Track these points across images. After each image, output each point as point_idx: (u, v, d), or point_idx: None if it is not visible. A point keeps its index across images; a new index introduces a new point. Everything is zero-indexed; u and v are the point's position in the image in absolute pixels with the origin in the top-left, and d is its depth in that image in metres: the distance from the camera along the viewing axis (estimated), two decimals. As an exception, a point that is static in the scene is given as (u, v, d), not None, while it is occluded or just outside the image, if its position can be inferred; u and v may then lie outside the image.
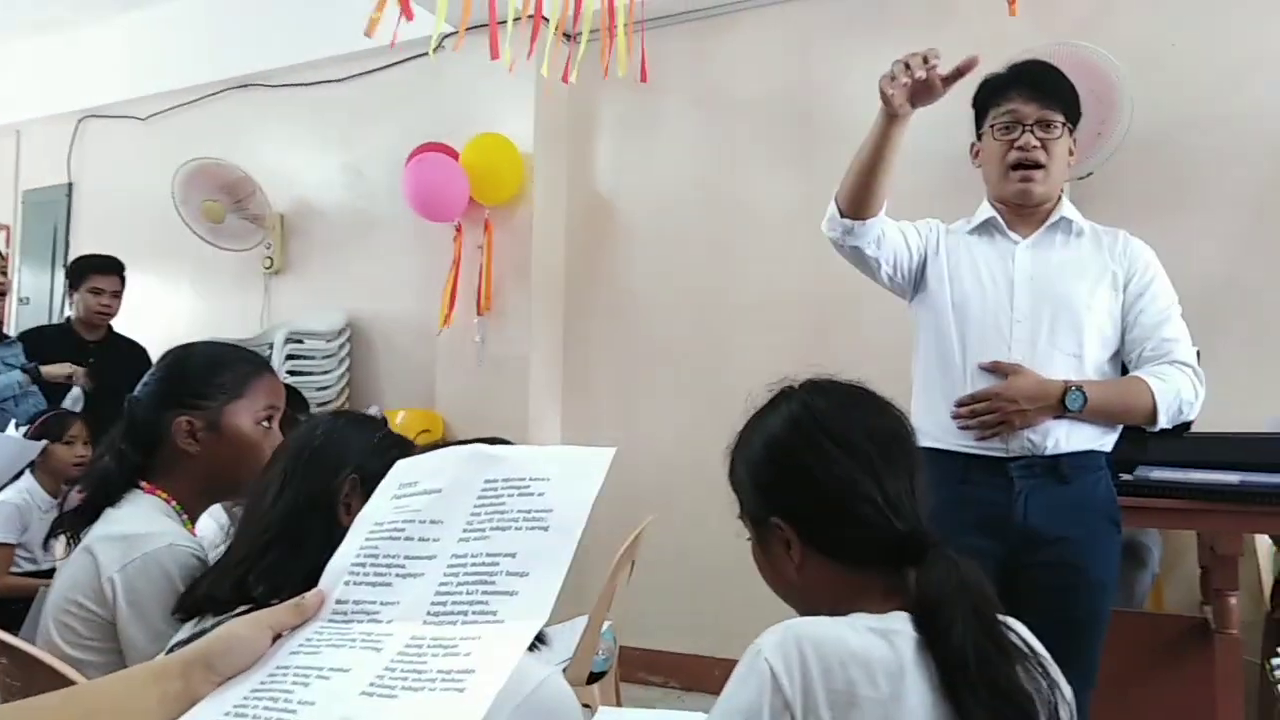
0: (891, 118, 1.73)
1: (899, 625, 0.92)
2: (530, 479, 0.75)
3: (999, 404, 1.75)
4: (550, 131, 3.91)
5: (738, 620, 1.03)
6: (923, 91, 1.71)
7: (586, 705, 2.03)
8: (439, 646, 0.66)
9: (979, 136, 1.91)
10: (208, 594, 1.12)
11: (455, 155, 3.74)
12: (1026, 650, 0.93)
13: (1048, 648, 1.80)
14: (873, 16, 3.46)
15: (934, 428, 1.86)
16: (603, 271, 3.94)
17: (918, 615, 0.92)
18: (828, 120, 3.53)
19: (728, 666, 0.94)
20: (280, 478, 1.15)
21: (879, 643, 0.90)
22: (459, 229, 3.83)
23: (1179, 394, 1.76)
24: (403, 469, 0.82)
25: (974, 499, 1.78)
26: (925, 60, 1.68)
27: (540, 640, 1.30)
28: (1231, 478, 2.02)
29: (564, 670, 2.13)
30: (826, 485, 0.99)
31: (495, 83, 3.62)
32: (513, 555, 0.70)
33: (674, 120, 3.82)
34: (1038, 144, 1.81)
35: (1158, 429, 1.79)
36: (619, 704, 2.39)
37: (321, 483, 1.14)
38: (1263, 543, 2.63)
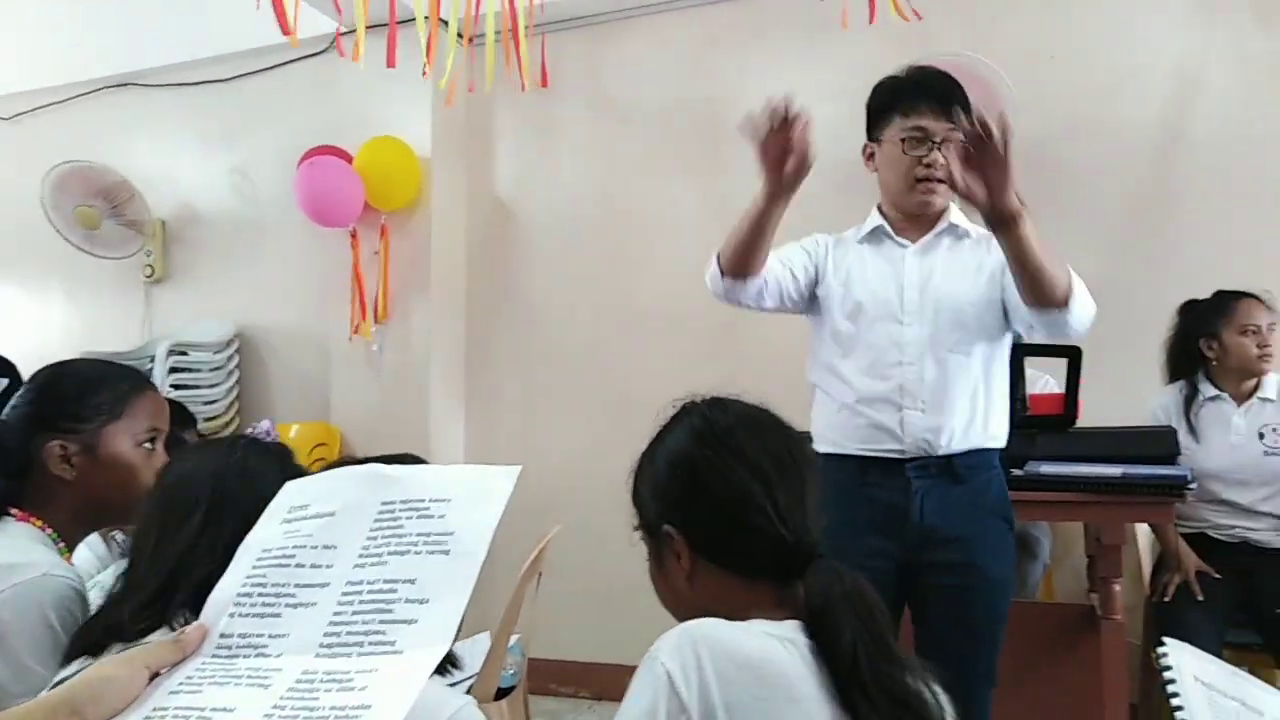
0: (773, 195, 1.73)
1: (794, 634, 0.93)
2: (430, 500, 0.72)
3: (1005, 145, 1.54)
4: (449, 135, 3.84)
5: (647, 628, 1.02)
6: (795, 167, 1.69)
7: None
8: (332, 681, 0.62)
9: (875, 140, 1.90)
10: (115, 623, 1.02)
11: (349, 159, 3.63)
12: (910, 659, 0.95)
13: (948, 646, 1.83)
14: (773, 23, 3.51)
15: (831, 432, 1.89)
16: (505, 279, 3.88)
17: (808, 624, 0.93)
18: (729, 127, 3.56)
19: (637, 674, 0.93)
20: (208, 499, 1.05)
21: (776, 647, 0.90)
22: (354, 235, 3.72)
23: (1088, 295, 1.72)
24: (293, 491, 0.78)
25: (872, 500, 1.81)
26: (785, 117, 1.65)
27: (452, 662, 1.26)
28: (1114, 470, 2.11)
29: (470, 687, 2.09)
30: (721, 494, 1.01)
31: (391, 85, 3.52)
32: (411, 581, 0.67)
33: (575, 126, 3.80)
34: (944, 161, 1.79)
35: (1068, 319, 1.69)
36: (529, 718, 2.35)
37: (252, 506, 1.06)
38: (1143, 531, 2.78)
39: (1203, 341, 2.67)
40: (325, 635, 0.66)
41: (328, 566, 0.70)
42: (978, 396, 1.83)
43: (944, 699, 0.96)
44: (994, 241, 1.86)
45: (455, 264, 3.89)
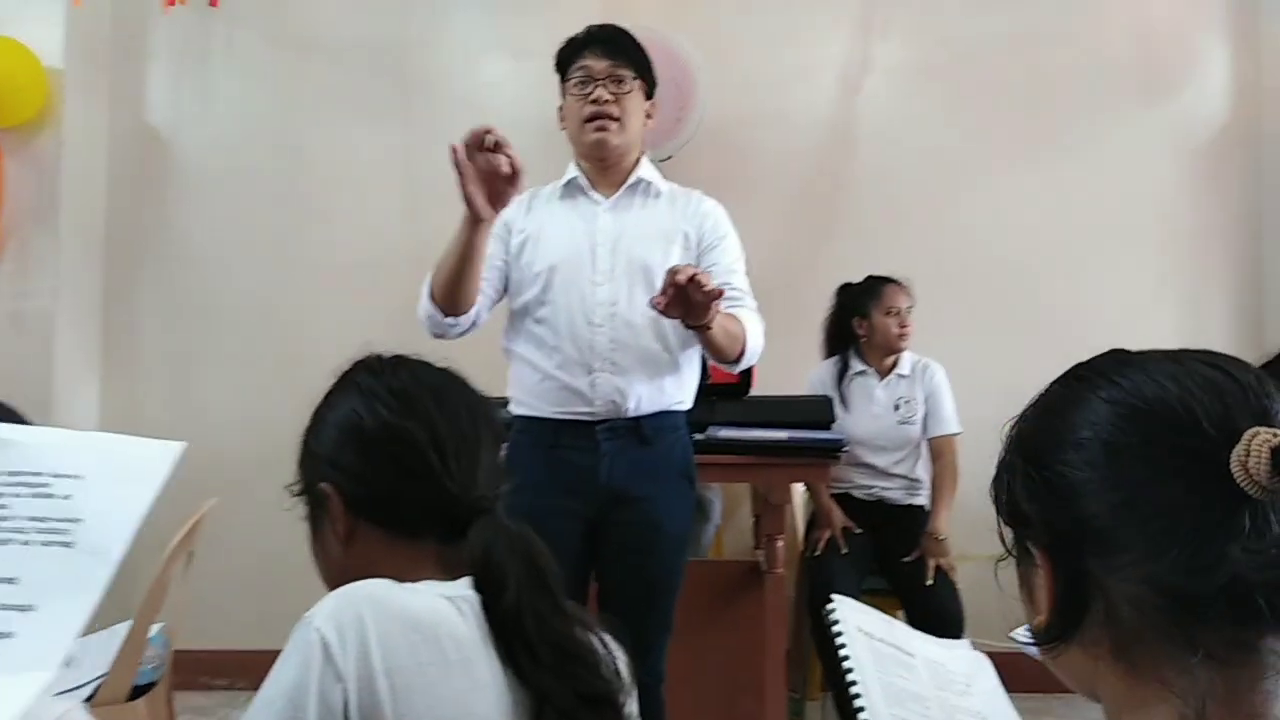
0: (476, 222, 1.68)
1: (467, 592, 0.89)
2: (52, 475, 0.55)
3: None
4: (87, 46, 3.26)
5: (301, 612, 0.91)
6: (500, 189, 1.65)
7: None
8: None
9: (563, 95, 1.94)
10: None
11: (-52, 57, 2.96)
12: (583, 614, 0.95)
13: (631, 599, 1.90)
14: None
15: (526, 395, 1.89)
16: (156, 220, 3.40)
17: (474, 580, 0.90)
18: (423, 76, 3.39)
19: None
20: None
21: (447, 608, 0.86)
22: (-46, 151, 3.05)
23: (758, 339, 1.90)
24: None
25: (564, 462, 1.83)
26: (483, 143, 1.61)
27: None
28: (781, 434, 2.28)
29: (98, 688, 1.78)
30: (382, 445, 0.96)
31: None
32: (12, 581, 0.50)
33: (248, 55, 3.41)
34: (610, 97, 1.86)
35: (736, 369, 1.94)
36: (172, 717, 2.06)
37: None
38: (797, 491, 3.04)
39: (855, 321, 2.97)
40: None
41: None
42: (666, 360, 1.88)
43: (616, 650, 0.95)
44: (690, 202, 1.94)
45: (92, 197, 3.33)
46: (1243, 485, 0.55)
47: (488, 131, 1.61)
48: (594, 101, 1.85)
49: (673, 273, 1.60)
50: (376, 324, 3.10)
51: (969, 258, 3.32)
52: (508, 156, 1.62)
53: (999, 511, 0.69)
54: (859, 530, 2.80)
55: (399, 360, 1.04)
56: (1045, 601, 0.64)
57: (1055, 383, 0.68)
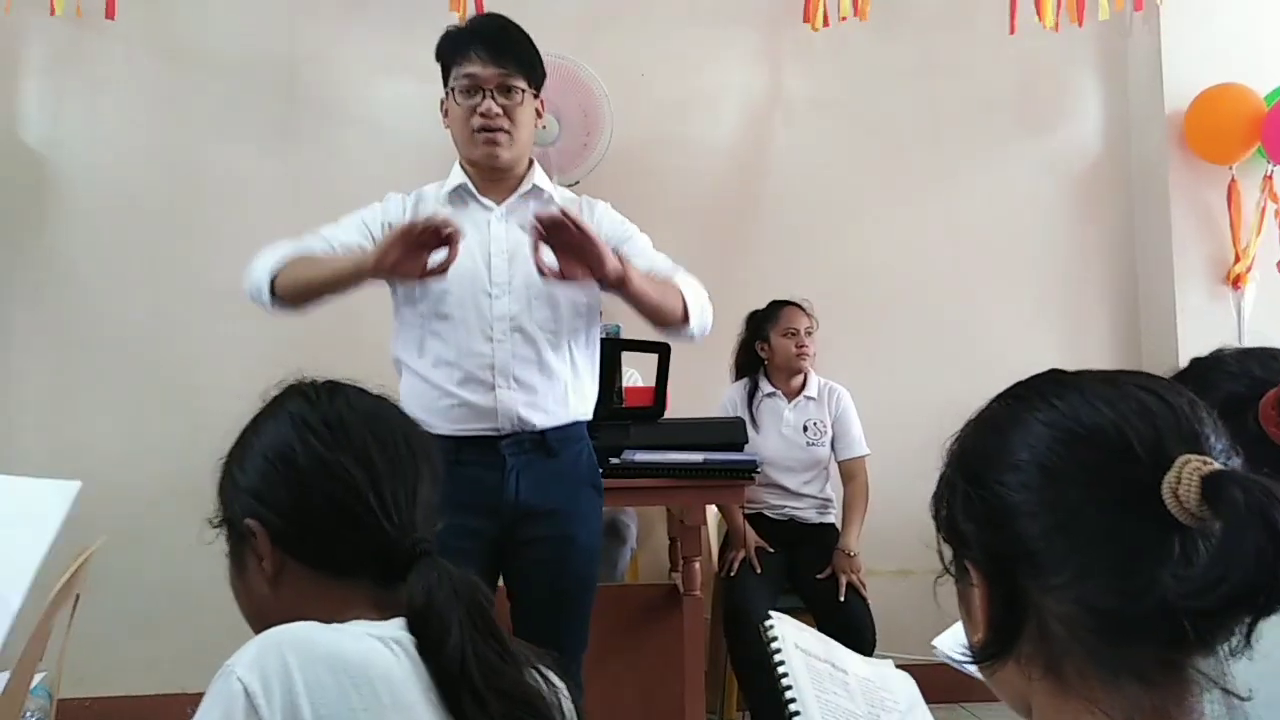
0: (369, 277, 1.65)
1: (399, 633, 0.85)
2: None
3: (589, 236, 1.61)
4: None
5: (216, 646, 0.86)
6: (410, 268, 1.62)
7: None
8: None
9: (448, 96, 1.83)
10: None
11: None
12: (526, 654, 0.92)
13: (544, 616, 1.85)
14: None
15: (424, 413, 1.74)
16: (31, 242, 3.20)
17: (412, 626, 0.86)
18: (318, 96, 3.31)
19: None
20: None
21: (380, 650, 0.82)
22: None
23: (703, 298, 1.85)
24: None
25: (467, 480, 1.73)
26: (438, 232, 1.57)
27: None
28: (697, 457, 2.29)
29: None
30: (320, 484, 0.91)
31: None
32: None
33: (134, 70, 3.26)
34: (500, 110, 1.77)
35: (690, 332, 1.82)
36: (56, 774, 1.92)
37: None
38: (710, 513, 3.06)
39: (758, 344, 3.02)
40: None
41: None
42: (569, 371, 1.83)
43: (560, 685, 0.93)
44: (584, 209, 1.89)
45: (-41, 215, 3.12)
46: (1174, 512, 0.56)
47: (448, 227, 1.58)
48: (483, 114, 1.77)
49: (538, 221, 1.57)
50: (273, 352, 3.04)
51: (868, 282, 3.43)
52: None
53: (938, 529, 0.70)
54: (772, 550, 2.83)
55: (333, 387, 0.98)
56: (981, 619, 0.65)
57: (995, 401, 0.69)
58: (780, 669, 0.86)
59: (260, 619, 0.91)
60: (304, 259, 1.75)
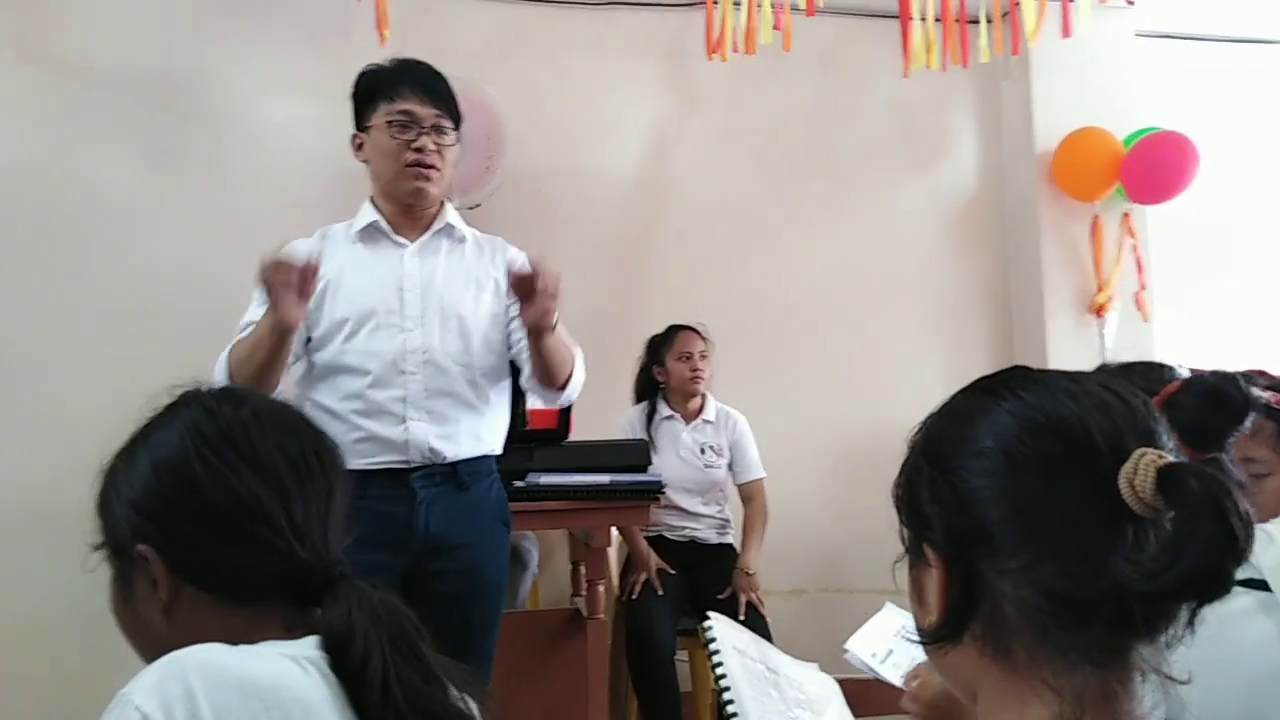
0: (286, 330, 1.67)
1: (312, 651, 0.80)
2: None
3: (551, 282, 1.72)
4: None
5: (101, 680, 0.81)
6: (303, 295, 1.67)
7: None
8: None
9: (363, 129, 1.86)
10: None
11: None
12: (456, 672, 0.89)
13: (449, 649, 1.84)
14: (260, 13, 3.22)
15: None
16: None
17: (329, 652, 0.81)
18: (206, 113, 3.18)
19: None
20: None
21: (292, 669, 0.77)
22: None
23: (582, 371, 1.91)
24: None
25: (375, 514, 1.71)
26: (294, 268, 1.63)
27: None
28: (603, 478, 2.29)
29: None
30: (220, 503, 0.83)
31: None
32: None
33: (7, 82, 3.05)
34: (434, 148, 1.82)
35: (560, 399, 1.91)
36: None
37: None
38: (612, 536, 3.06)
39: (655, 368, 3.06)
40: None
41: None
42: (480, 404, 1.86)
43: (474, 707, 0.91)
44: (496, 250, 1.94)
45: None
46: (1129, 501, 0.60)
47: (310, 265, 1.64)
48: (418, 150, 1.81)
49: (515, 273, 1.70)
50: (152, 375, 2.87)
51: (765, 310, 3.52)
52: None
53: (899, 512, 0.72)
54: (673, 571, 2.85)
55: (235, 395, 0.91)
56: (937, 601, 0.67)
57: (961, 392, 0.72)
58: (719, 669, 0.87)
59: (152, 649, 0.83)
60: (240, 349, 1.76)
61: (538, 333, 1.74)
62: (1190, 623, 0.61)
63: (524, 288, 1.70)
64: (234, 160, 3.20)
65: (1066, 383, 0.67)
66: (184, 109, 3.16)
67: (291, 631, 0.83)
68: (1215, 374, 1.00)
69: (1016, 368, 0.71)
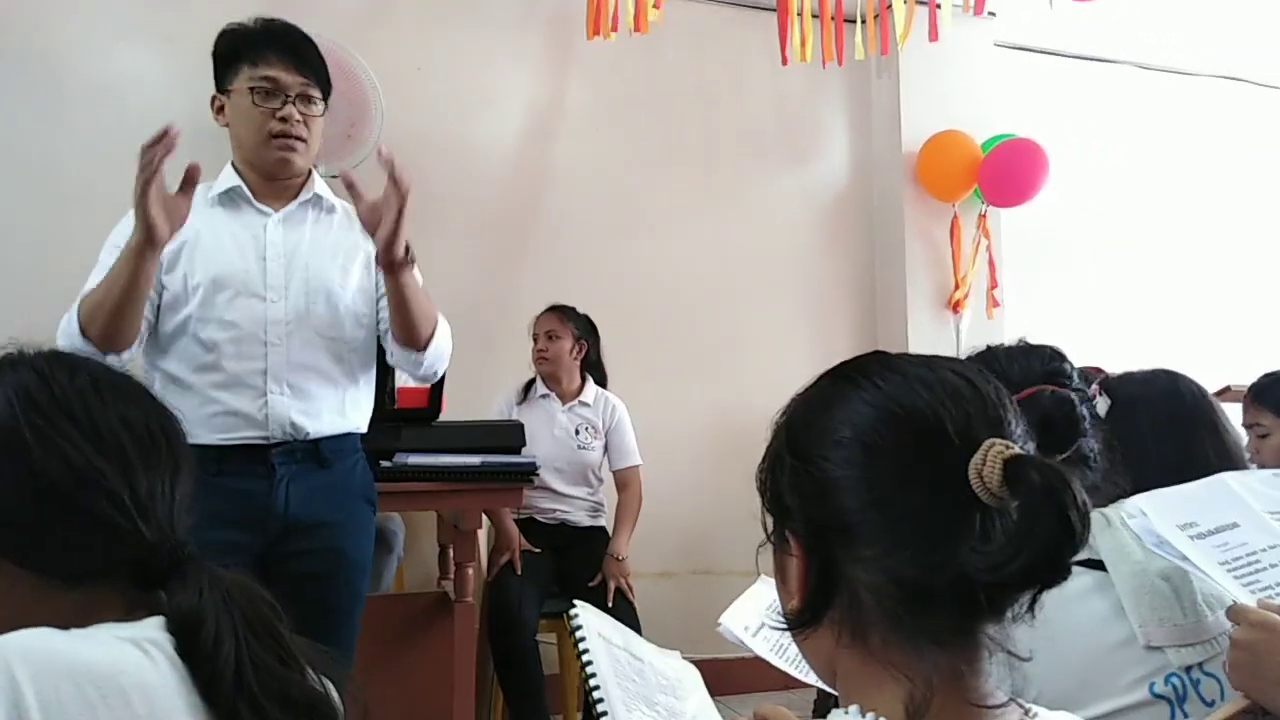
0: (151, 245, 1.54)
1: (155, 633, 0.75)
2: None
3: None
4: None
5: None
6: (176, 205, 1.56)
7: None
8: None
9: (224, 91, 1.76)
10: None
11: None
12: (309, 656, 0.85)
13: (310, 632, 1.79)
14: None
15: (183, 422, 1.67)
16: None
17: (176, 635, 0.76)
18: (47, 61, 2.95)
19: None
20: None
21: (132, 654, 0.72)
22: None
23: (447, 336, 1.85)
24: None
25: (230, 491, 1.66)
26: (162, 142, 1.49)
27: None
28: (474, 459, 2.25)
29: None
30: (53, 475, 0.76)
31: None
32: None
33: None
34: (300, 118, 1.74)
35: (422, 359, 1.80)
36: None
37: None
38: (483, 519, 3.02)
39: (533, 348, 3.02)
40: None
41: None
42: (346, 380, 1.80)
43: (333, 691, 0.88)
44: None
45: None
46: (977, 492, 0.61)
47: (173, 132, 1.46)
48: (283, 119, 1.72)
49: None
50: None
51: (642, 295, 3.54)
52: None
53: (763, 500, 0.73)
54: (537, 550, 2.83)
55: (70, 361, 0.83)
56: (797, 587, 0.69)
57: (822, 378, 0.73)
58: (585, 656, 0.87)
59: None
60: (91, 297, 1.62)
61: (390, 265, 1.66)
62: (1031, 606, 0.65)
63: (374, 216, 1.63)
64: (80, 111, 2.97)
65: (924, 370, 0.68)
66: (23, 57, 2.92)
67: (132, 614, 0.77)
68: (1054, 397, 1.06)
69: (877, 353, 0.73)
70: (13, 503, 0.76)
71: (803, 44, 3.02)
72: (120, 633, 0.73)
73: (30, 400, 0.78)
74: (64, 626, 0.73)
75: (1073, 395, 1.08)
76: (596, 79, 3.54)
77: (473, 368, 2.90)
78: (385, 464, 2.17)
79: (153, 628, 0.75)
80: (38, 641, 0.69)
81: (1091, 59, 4.26)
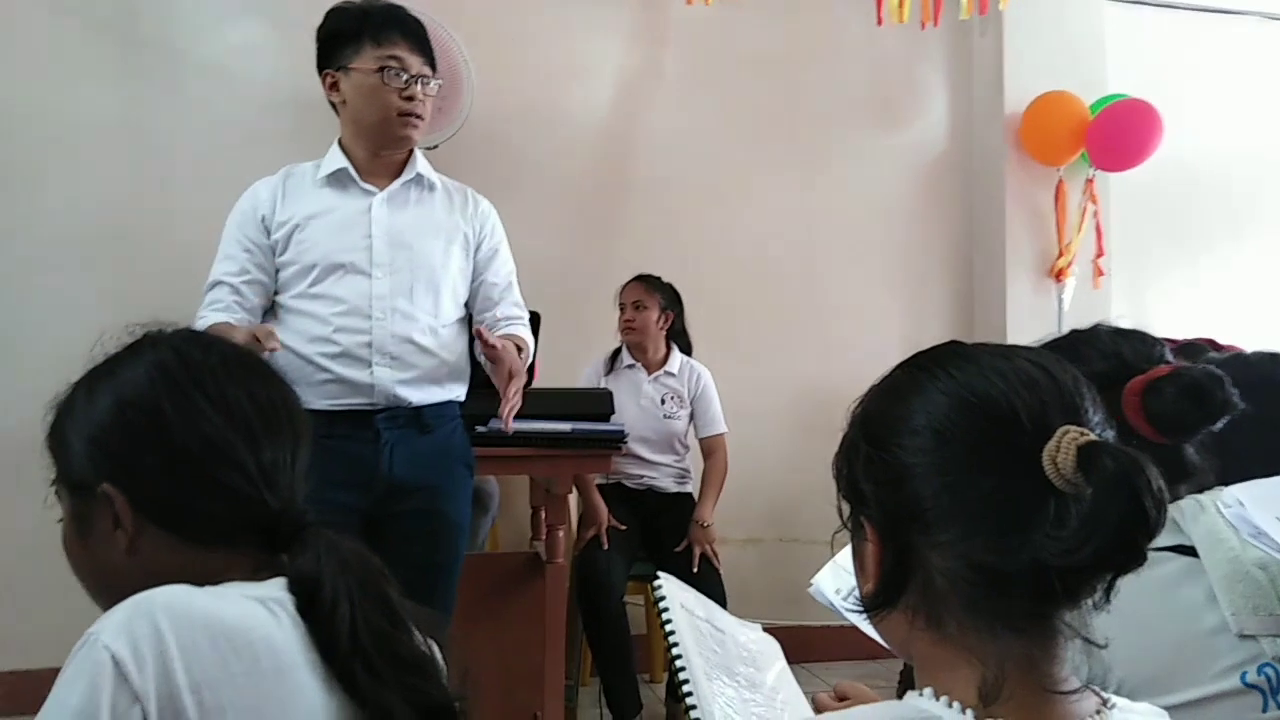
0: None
1: (279, 593, 0.81)
2: None
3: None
4: None
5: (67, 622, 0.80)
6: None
7: None
8: None
9: (340, 68, 1.81)
10: None
11: None
12: (416, 619, 0.90)
13: (413, 589, 1.89)
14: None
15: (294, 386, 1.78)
16: None
17: (298, 595, 0.82)
18: (159, 36, 3.08)
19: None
20: None
21: (259, 611, 0.78)
22: None
23: (530, 351, 1.94)
24: None
25: (339, 453, 1.76)
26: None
27: None
28: (565, 426, 2.31)
29: None
30: (189, 445, 0.83)
31: None
32: None
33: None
34: (423, 98, 1.83)
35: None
36: None
37: None
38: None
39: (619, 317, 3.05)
40: None
41: None
42: (444, 352, 1.88)
43: (436, 651, 0.93)
44: (467, 201, 1.95)
45: None
46: (1051, 478, 0.62)
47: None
48: (409, 98, 1.80)
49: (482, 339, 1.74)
50: (102, 305, 2.82)
51: (731, 263, 3.53)
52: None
53: (839, 487, 0.75)
54: (624, 527, 2.87)
55: (204, 339, 0.90)
56: (873, 572, 0.70)
57: (898, 368, 0.74)
58: (668, 627, 0.90)
59: (108, 589, 0.83)
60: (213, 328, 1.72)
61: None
62: (1108, 592, 0.65)
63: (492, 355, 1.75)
64: (190, 87, 3.11)
65: (999, 360, 0.69)
66: (136, 33, 3.07)
67: (257, 574, 0.84)
68: (1203, 371, 1.02)
69: (952, 343, 0.74)
70: (156, 469, 0.83)
71: (900, 3, 2.93)
72: (249, 591, 0.79)
73: (168, 375, 0.85)
74: (198, 584, 0.79)
75: (1221, 373, 1.03)
76: (688, 46, 3.52)
77: (563, 336, 2.96)
78: (481, 429, 2.24)
79: (277, 587, 0.81)
80: (178, 597, 0.75)
81: (1212, 9, 4.01)
